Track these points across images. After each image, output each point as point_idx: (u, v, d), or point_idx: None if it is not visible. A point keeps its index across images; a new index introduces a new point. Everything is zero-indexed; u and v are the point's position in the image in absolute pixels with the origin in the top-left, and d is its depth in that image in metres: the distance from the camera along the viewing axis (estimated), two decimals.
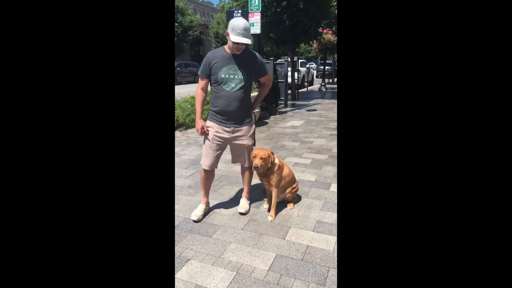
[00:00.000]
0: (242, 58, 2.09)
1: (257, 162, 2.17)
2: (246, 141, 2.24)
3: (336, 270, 1.71)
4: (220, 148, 2.23)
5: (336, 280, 1.63)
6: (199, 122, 2.15)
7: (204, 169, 2.27)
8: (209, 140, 2.18)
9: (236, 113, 2.13)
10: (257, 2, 5.92)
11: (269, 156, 2.22)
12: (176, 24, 19.75)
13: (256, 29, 6.02)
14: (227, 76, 2.07)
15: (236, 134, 2.19)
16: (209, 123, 2.19)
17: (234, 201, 2.60)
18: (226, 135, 2.18)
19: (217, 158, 2.24)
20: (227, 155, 3.92)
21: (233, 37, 1.96)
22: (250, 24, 6.03)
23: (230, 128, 2.16)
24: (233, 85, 2.08)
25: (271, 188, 2.30)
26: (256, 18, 5.98)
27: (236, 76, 2.08)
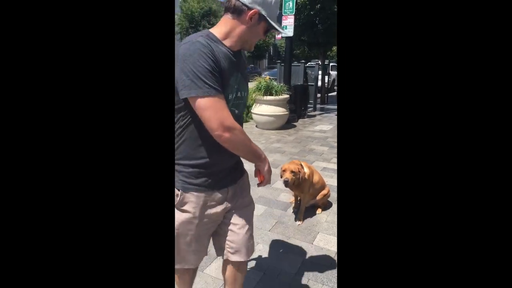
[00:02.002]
0: (241, 60, 1.06)
1: (287, 175, 2.09)
2: (248, 200, 1.20)
3: None
4: (211, 230, 1.15)
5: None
6: (265, 159, 1.10)
7: (186, 268, 1.20)
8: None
9: (238, 159, 1.14)
10: (291, 5, 5.92)
11: (299, 171, 2.14)
12: (209, 26, 20.23)
13: (289, 32, 6.01)
14: (234, 94, 1.02)
15: (237, 196, 1.14)
16: (187, 198, 1.03)
17: (262, 202, 2.62)
18: (219, 208, 1.09)
19: (206, 247, 1.18)
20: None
21: (276, 25, 1.00)
22: (283, 27, 6.04)
23: (225, 190, 1.09)
24: (237, 112, 1.06)
25: (300, 195, 2.29)
26: (289, 21, 5.98)
27: (243, 94, 1.07)
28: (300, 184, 2.19)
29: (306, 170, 2.24)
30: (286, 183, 2.10)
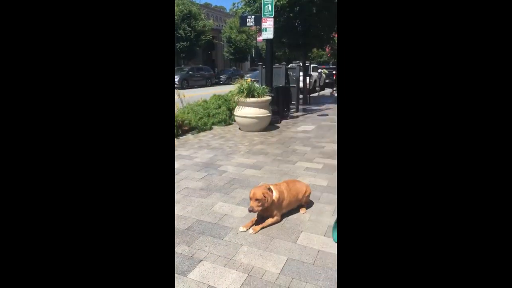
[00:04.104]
0: None
1: (252, 204, 2.13)
2: None
3: None
4: None
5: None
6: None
7: None
8: None
9: None
10: (270, 8, 5.98)
11: (264, 196, 2.16)
12: (189, 29, 20.07)
13: (269, 34, 6.07)
14: None
15: None
16: None
17: (245, 204, 2.62)
18: None
19: None
20: (240, 158, 3.97)
21: None
22: (262, 29, 6.09)
23: None
24: None
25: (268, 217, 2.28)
26: (269, 24, 6.04)
27: None
28: (266, 208, 2.21)
29: (275, 193, 2.24)
30: (251, 211, 2.14)
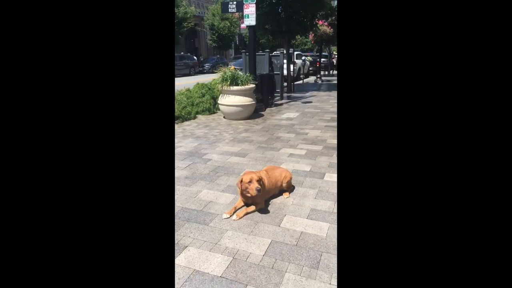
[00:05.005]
0: None
1: (257, 185, 2.16)
2: None
3: (328, 254, 1.79)
4: None
5: (328, 264, 1.70)
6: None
7: None
8: None
9: None
10: None
11: (260, 178, 2.23)
12: None
13: (252, 21, 5.99)
14: None
15: None
16: None
17: (230, 191, 2.66)
18: None
19: None
20: (224, 146, 3.98)
21: None
22: (245, 15, 6.01)
23: None
24: None
25: (254, 202, 2.31)
26: (251, 10, 5.95)
27: None
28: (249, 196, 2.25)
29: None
30: (259, 191, 2.17)
